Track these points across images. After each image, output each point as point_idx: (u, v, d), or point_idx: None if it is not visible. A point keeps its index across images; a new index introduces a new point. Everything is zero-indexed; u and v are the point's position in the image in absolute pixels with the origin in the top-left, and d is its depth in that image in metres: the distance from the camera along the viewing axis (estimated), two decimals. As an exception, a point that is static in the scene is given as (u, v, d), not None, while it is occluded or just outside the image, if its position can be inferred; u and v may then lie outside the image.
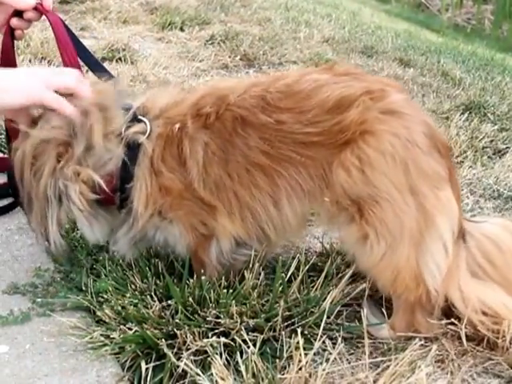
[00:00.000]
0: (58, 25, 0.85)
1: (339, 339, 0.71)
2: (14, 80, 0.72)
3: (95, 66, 0.87)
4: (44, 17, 0.85)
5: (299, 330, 0.68)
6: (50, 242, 0.77)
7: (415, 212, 0.69)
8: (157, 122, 0.75)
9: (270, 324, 0.72)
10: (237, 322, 0.70)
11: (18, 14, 0.85)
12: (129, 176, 0.75)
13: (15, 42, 0.90)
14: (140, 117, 0.75)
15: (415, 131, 0.70)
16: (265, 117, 0.72)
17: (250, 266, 0.78)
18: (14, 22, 0.84)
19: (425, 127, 0.72)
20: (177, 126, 0.74)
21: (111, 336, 0.71)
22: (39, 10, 0.84)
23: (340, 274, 0.82)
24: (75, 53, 0.84)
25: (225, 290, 0.74)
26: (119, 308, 0.73)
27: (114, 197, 0.76)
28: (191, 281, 0.75)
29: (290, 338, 0.69)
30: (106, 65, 1.72)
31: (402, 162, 0.69)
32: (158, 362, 0.69)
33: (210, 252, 0.77)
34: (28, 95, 0.71)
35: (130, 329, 0.71)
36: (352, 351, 0.74)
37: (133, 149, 0.74)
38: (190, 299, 0.73)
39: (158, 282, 0.78)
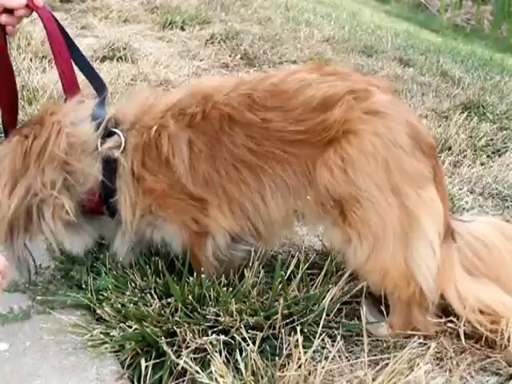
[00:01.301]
0: (50, 20, 0.85)
1: (338, 337, 0.71)
2: None
3: (82, 63, 0.87)
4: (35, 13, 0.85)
5: (298, 328, 0.68)
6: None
7: (398, 212, 0.69)
8: (131, 132, 0.75)
9: (269, 322, 0.72)
10: (236, 319, 0.71)
11: (8, 10, 0.84)
12: (111, 190, 0.76)
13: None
14: (113, 129, 0.75)
15: (397, 131, 0.70)
16: (251, 115, 0.72)
17: (250, 264, 0.78)
18: (4, 18, 0.84)
19: (408, 127, 0.72)
20: (153, 129, 0.74)
21: (111, 334, 0.71)
22: (30, 6, 0.84)
23: (339, 272, 0.82)
24: (66, 47, 0.84)
25: (224, 288, 0.74)
26: (119, 306, 0.73)
27: (100, 208, 0.77)
28: (191, 279, 0.75)
29: (290, 335, 0.70)
30: (106, 64, 1.74)
31: (383, 161, 0.69)
32: (157, 360, 0.69)
33: (206, 249, 0.77)
34: None
35: (129, 327, 0.71)
36: (351, 349, 0.75)
37: (109, 164, 0.75)
38: (190, 297, 0.73)
39: (157, 280, 0.78)
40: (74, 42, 0.88)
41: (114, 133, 0.75)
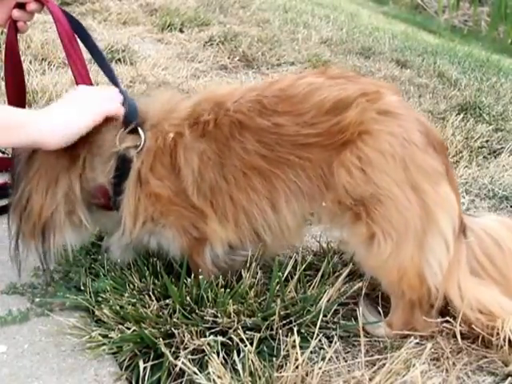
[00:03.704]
0: (59, 15, 0.85)
1: (335, 337, 0.72)
2: (75, 111, 0.73)
3: (97, 54, 0.86)
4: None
5: (296, 329, 0.69)
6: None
7: (417, 208, 0.70)
8: (148, 133, 0.76)
9: (267, 323, 0.72)
10: (234, 320, 0.71)
11: (20, 6, 0.85)
12: (119, 190, 0.76)
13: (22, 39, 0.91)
14: (137, 127, 0.75)
15: (411, 130, 0.72)
16: (262, 120, 0.73)
17: (248, 265, 0.78)
18: (16, 13, 0.84)
19: (420, 125, 0.73)
20: (170, 135, 0.74)
21: (109, 335, 0.71)
22: (40, 0, 0.84)
23: (337, 273, 0.82)
24: (76, 41, 0.84)
25: (222, 290, 0.74)
26: (117, 307, 0.74)
27: (107, 203, 0.78)
28: (189, 280, 0.76)
29: (287, 336, 0.70)
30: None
31: (400, 159, 0.70)
32: (155, 361, 0.69)
33: (205, 256, 0.78)
34: (93, 117, 0.72)
35: (128, 328, 0.71)
36: (348, 349, 0.75)
37: (124, 163, 0.75)
38: (188, 298, 0.73)
39: (156, 281, 0.78)
40: (88, 32, 0.86)
41: (136, 131, 0.75)
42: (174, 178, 0.74)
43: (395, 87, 0.91)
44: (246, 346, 0.67)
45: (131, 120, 0.75)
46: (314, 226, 0.92)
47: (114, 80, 0.83)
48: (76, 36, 0.85)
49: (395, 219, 0.70)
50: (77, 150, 0.74)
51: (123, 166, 0.75)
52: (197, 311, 0.72)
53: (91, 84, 0.84)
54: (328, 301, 0.76)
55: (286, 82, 0.76)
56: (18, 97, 0.90)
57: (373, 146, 0.70)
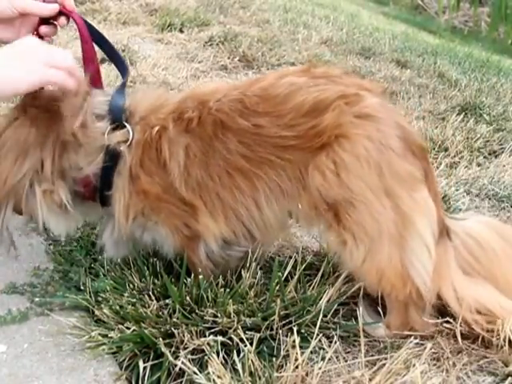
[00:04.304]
0: (83, 26, 0.84)
1: (335, 338, 0.72)
2: (15, 66, 0.68)
3: (119, 62, 0.86)
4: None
5: (296, 329, 0.69)
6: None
7: (392, 214, 0.70)
8: (136, 127, 0.76)
9: (266, 323, 0.72)
10: (234, 320, 0.71)
11: (45, 21, 0.84)
12: (107, 184, 0.76)
13: None
14: (124, 123, 0.75)
15: (389, 134, 0.71)
16: (243, 121, 0.72)
17: (247, 265, 0.78)
18: (44, 29, 0.83)
19: (398, 130, 0.72)
20: (155, 129, 0.74)
21: (109, 335, 0.71)
22: (64, 12, 0.83)
23: (336, 273, 0.82)
24: (96, 57, 0.84)
25: (222, 289, 0.74)
26: (117, 307, 0.74)
27: (93, 196, 0.78)
28: (189, 280, 0.76)
29: (287, 336, 0.70)
30: (105, 66, 1.74)
31: (376, 165, 0.69)
32: (155, 361, 0.69)
33: (199, 253, 0.78)
34: (32, 80, 0.69)
35: (127, 328, 0.71)
36: (348, 349, 0.75)
37: (112, 157, 0.75)
38: (188, 298, 0.73)
39: (155, 281, 0.78)
40: (107, 39, 0.86)
41: (125, 126, 0.75)
42: (161, 172, 0.74)
43: (380, 86, 0.89)
44: (245, 346, 0.67)
45: (116, 118, 0.75)
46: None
47: (124, 77, 0.82)
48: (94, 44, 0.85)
49: (368, 224, 0.70)
50: (51, 127, 0.73)
51: (112, 160, 0.74)
52: (197, 311, 0.73)
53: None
54: (328, 301, 0.76)
55: (268, 81, 0.75)
56: None
57: (349, 150, 0.70)
